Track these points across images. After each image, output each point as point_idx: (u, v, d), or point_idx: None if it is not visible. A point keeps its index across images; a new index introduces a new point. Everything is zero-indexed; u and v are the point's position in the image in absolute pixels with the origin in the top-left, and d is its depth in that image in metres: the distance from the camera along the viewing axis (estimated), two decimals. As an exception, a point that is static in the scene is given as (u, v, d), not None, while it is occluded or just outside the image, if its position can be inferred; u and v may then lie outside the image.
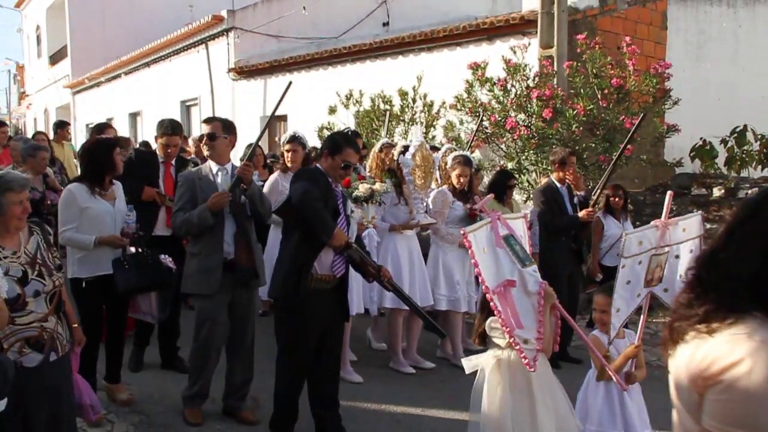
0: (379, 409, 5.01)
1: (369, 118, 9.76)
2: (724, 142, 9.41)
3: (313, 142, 9.18)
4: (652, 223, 3.54)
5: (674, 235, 3.53)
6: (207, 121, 4.69)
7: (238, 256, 4.46)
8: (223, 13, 14.65)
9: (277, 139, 14.05)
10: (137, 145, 11.67)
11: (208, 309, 4.50)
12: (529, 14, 9.25)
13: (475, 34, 9.96)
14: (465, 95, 8.56)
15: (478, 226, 3.36)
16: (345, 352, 5.88)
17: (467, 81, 8.57)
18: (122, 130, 18.05)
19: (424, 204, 5.94)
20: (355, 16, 15.43)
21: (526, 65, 8.25)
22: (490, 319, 3.39)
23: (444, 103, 9.22)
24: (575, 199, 6.26)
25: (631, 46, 7.84)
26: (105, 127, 7.30)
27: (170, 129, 5.51)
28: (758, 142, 9.37)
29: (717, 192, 8.20)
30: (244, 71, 14.39)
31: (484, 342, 3.56)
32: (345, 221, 4.29)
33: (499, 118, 8.11)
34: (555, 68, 8.36)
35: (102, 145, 4.81)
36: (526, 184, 8.33)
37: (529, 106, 8.05)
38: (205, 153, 4.63)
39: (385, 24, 15.81)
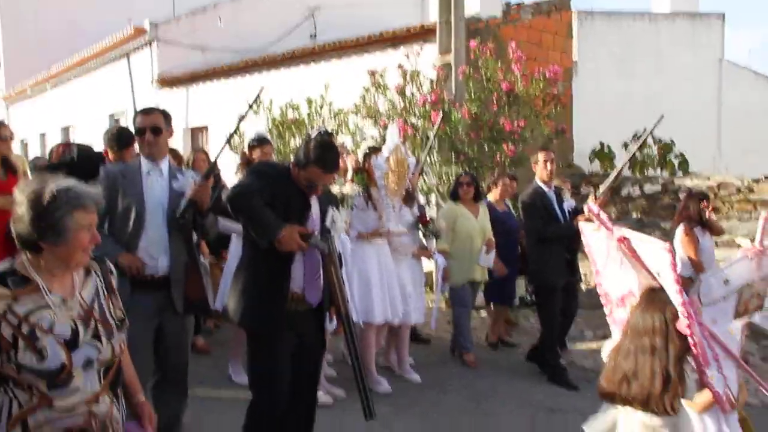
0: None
1: (276, 125, 9.83)
2: (625, 145, 9.76)
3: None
4: (741, 252, 2.95)
5: None
6: (146, 112, 3.91)
7: (189, 288, 3.73)
8: (146, 25, 14.58)
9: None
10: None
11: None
12: (430, 24, 9.45)
13: (380, 43, 10.13)
14: (362, 101, 8.71)
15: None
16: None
17: (365, 87, 8.72)
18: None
19: (396, 211, 5.45)
20: (283, 28, 15.48)
21: (419, 72, 8.43)
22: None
23: (345, 109, 9.34)
24: (565, 204, 5.82)
25: (517, 52, 8.04)
26: None
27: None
28: (656, 146, 9.74)
29: (601, 189, 8.49)
30: (167, 81, 14.37)
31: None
32: (317, 230, 3.52)
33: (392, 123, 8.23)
34: (453, 74, 8.56)
35: None
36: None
37: (421, 110, 8.22)
38: (145, 151, 3.86)
39: (313, 36, 15.89)
